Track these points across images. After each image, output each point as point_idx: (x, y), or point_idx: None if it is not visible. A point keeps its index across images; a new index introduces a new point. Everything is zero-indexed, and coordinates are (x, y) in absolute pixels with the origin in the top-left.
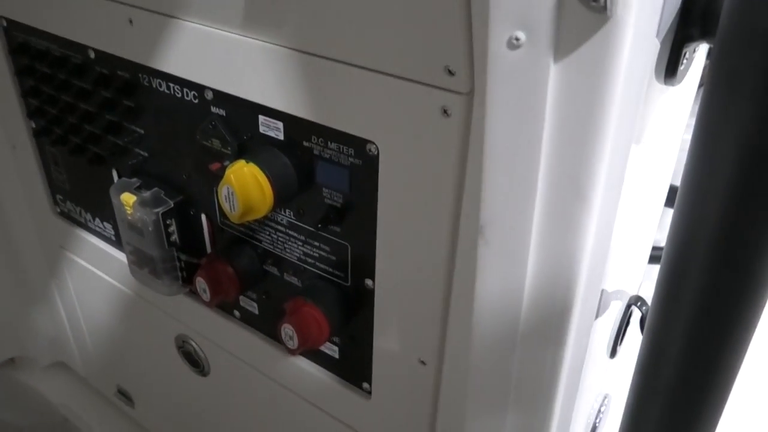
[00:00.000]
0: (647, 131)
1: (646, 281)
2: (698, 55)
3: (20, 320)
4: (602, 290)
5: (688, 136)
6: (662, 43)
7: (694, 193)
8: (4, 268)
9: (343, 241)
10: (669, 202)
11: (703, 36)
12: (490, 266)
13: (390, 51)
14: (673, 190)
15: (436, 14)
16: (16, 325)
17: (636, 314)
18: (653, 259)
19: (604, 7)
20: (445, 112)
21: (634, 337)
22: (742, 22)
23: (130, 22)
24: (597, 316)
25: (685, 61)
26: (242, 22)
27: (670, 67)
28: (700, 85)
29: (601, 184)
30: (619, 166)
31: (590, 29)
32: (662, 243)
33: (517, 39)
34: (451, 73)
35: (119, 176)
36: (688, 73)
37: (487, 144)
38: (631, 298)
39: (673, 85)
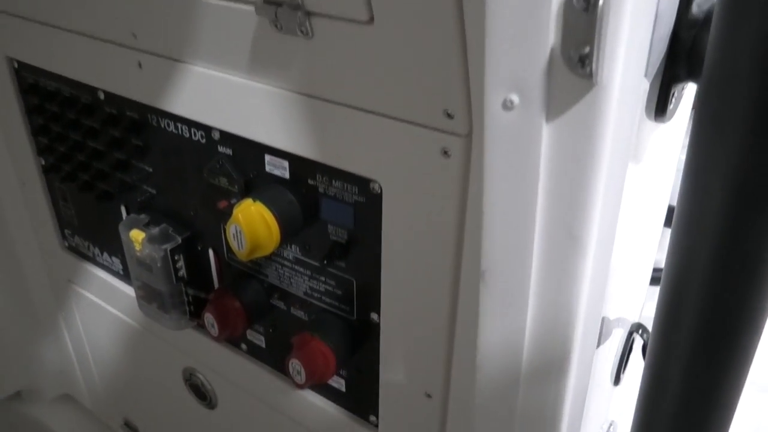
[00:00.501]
0: (642, 161)
1: (649, 302)
2: (688, 91)
3: (27, 353)
4: (603, 318)
5: (684, 156)
6: (651, 83)
7: (687, 226)
8: (12, 301)
9: (348, 276)
10: (668, 222)
11: (690, 76)
12: (491, 310)
13: (391, 95)
14: (671, 210)
15: (435, 62)
16: (24, 358)
17: (638, 341)
18: (654, 280)
19: (590, 75)
20: (445, 153)
21: (638, 364)
22: (724, 65)
23: (140, 65)
24: (598, 345)
25: (674, 100)
26: (248, 67)
27: (660, 106)
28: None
29: (595, 230)
30: (612, 209)
31: (578, 93)
32: (663, 264)
33: (512, 101)
34: (449, 116)
35: (128, 212)
36: (680, 105)
37: (486, 196)
38: (632, 326)
39: (663, 122)
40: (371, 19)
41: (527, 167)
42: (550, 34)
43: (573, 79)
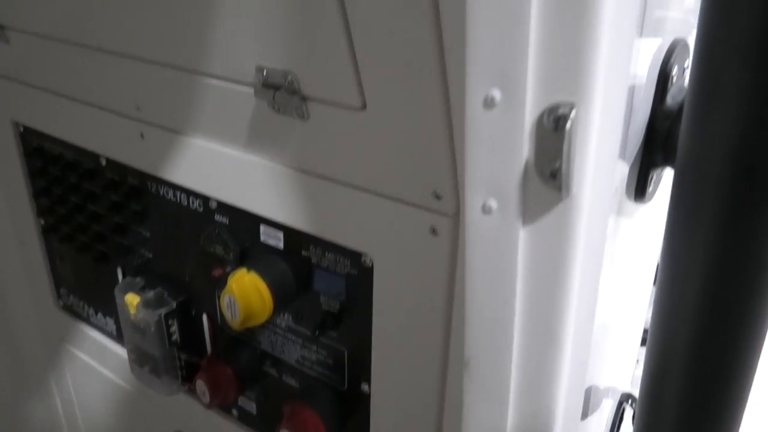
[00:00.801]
0: (626, 238)
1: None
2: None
3: (16, 411)
4: (591, 388)
5: None
6: (631, 166)
7: (667, 311)
8: (2, 357)
9: (339, 347)
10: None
11: (666, 162)
12: (475, 397)
13: (382, 174)
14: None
15: (424, 147)
16: (12, 416)
17: (629, 411)
18: (645, 341)
19: (560, 189)
20: (433, 231)
21: None
22: (694, 158)
23: (142, 136)
24: (585, 417)
25: (653, 183)
26: (246, 143)
27: (640, 189)
28: None
29: (571, 326)
30: (589, 302)
31: (551, 204)
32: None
33: (490, 206)
34: (438, 197)
35: (124, 274)
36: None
37: (468, 291)
38: (622, 396)
39: (644, 203)
40: (364, 106)
41: (505, 267)
42: (525, 148)
43: (546, 190)
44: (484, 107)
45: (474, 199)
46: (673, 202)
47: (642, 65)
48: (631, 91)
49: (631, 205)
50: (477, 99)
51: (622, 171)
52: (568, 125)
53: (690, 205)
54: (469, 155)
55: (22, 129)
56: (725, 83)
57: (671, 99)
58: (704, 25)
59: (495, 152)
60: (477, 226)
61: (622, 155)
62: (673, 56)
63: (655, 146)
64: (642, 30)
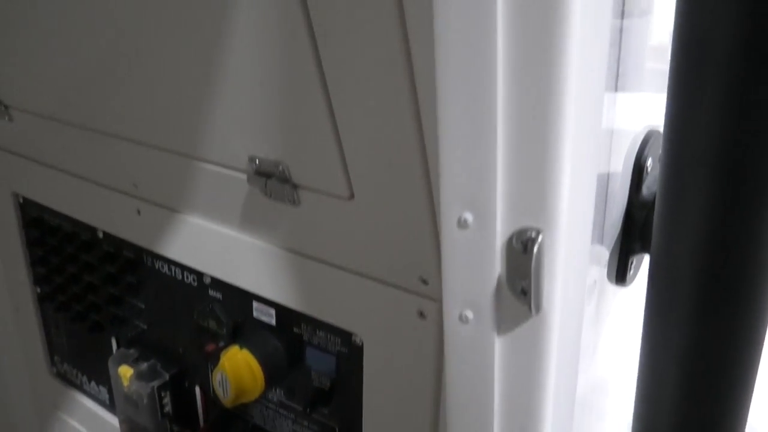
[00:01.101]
0: (607, 320)
1: None
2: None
3: None
4: None
5: None
6: (611, 252)
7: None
8: None
9: (330, 423)
10: None
11: (644, 249)
12: None
13: (371, 258)
14: None
15: (410, 236)
16: None
17: None
18: None
19: (530, 308)
20: (421, 314)
21: None
22: (667, 255)
23: (138, 212)
24: None
25: (632, 268)
26: (239, 223)
27: (620, 274)
28: None
29: (548, 428)
30: (566, 403)
31: (523, 317)
32: None
33: (467, 317)
34: (425, 282)
35: (118, 344)
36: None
37: (448, 395)
38: None
39: (625, 287)
40: (352, 196)
41: (483, 374)
42: (497, 265)
43: (518, 305)
44: (458, 227)
45: (451, 308)
46: (649, 293)
47: (617, 155)
48: (606, 179)
49: (613, 288)
50: (452, 219)
51: (602, 256)
52: (535, 249)
53: (665, 297)
54: (446, 269)
55: (21, 200)
56: (691, 188)
57: (646, 189)
58: (670, 133)
59: (469, 268)
60: (454, 333)
61: (600, 240)
62: (647, 147)
63: (633, 234)
64: (612, 138)
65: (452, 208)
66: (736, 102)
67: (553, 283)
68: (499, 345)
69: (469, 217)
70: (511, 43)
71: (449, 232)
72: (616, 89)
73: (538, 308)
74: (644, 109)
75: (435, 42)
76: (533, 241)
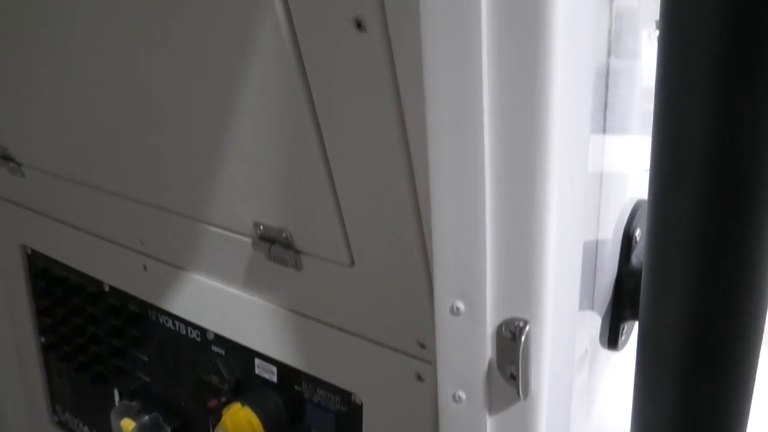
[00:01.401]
0: (602, 383)
1: None
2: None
3: None
4: None
5: None
6: (603, 318)
7: None
8: None
9: None
10: None
11: (634, 317)
12: None
13: (370, 322)
14: None
15: (407, 301)
16: None
17: None
18: None
19: (518, 392)
20: (419, 377)
21: None
22: (653, 327)
23: (145, 268)
24: None
25: (624, 333)
26: (243, 283)
27: (612, 340)
28: None
29: None
30: None
31: (512, 400)
32: None
33: (460, 396)
34: (422, 346)
35: (120, 396)
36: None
37: None
38: None
39: (617, 351)
40: (352, 263)
41: None
42: (488, 350)
43: (508, 388)
44: (451, 314)
45: (445, 387)
46: (638, 360)
47: (607, 225)
48: (595, 248)
49: (606, 352)
50: (445, 306)
51: (594, 322)
52: (522, 338)
53: (653, 365)
54: (440, 352)
55: (30, 251)
56: (673, 261)
57: (636, 259)
58: (653, 206)
59: (461, 352)
60: (448, 412)
61: (591, 306)
62: (636, 218)
63: (623, 302)
64: (599, 209)
65: (445, 296)
66: (715, 180)
67: (541, 369)
68: (490, 424)
69: (461, 305)
70: (497, 163)
71: (443, 319)
72: (605, 131)
73: (526, 393)
74: (629, 181)
75: (427, 139)
76: (521, 330)
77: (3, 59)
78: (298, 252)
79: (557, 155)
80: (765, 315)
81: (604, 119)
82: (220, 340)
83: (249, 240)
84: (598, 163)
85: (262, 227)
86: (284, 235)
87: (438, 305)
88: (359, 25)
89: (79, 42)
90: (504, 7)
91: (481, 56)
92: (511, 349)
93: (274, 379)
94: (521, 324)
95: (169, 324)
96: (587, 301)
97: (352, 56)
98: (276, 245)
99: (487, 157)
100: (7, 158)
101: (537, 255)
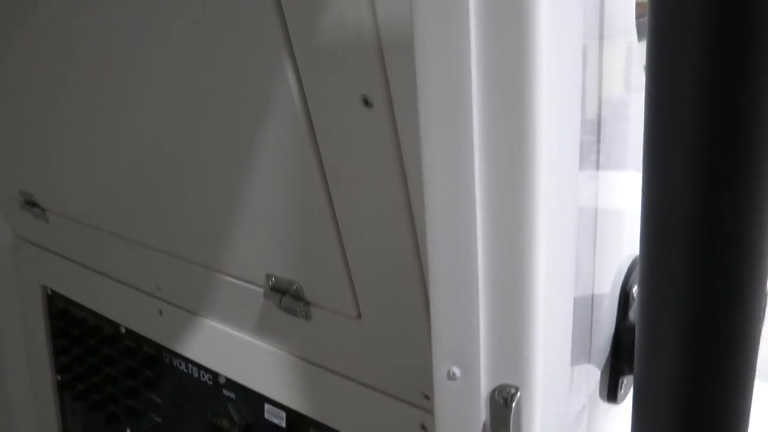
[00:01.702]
0: None
1: None
2: None
3: None
4: None
5: None
6: (602, 371)
7: None
8: None
9: None
10: None
11: (632, 371)
12: None
13: (376, 372)
14: None
15: (413, 355)
16: None
17: None
18: None
19: None
20: (423, 427)
21: None
22: (647, 384)
23: (160, 312)
24: None
25: (623, 387)
26: (254, 330)
27: (611, 393)
28: None
29: None
30: None
31: None
32: None
33: None
34: (426, 397)
35: None
36: None
37: None
38: None
39: (616, 404)
40: (359, 316)
41: None
42: (483, 413)
43: None
44: (447, 378)
45: None
46: (634, 415)
47: (605, 281)
48: (590, 303)
49: (605, 406)
50: (442, 371)
51: (592, 376)
52: (513, 404)
53: (648, 421)
54: (438, 413)
55: (50, 292)
56: (664, 320)
57: (633, 314)
58: (645, 265)
59: (458, 414)
60: None
61: (588, 360)
62: (633, 275)
63: (621, 357)
64: (594, 265)
65: (442, 361)
66: (702, 240)
67: None
68: None
69: (457, 371)
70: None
71: (440, 382)
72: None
73: None
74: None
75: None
76: (512, 396)
77: (32, 110)
78: (307, 303)
79: (546, 228)
80: (754, 371)
81: (597, 168)
82: (231, 384)
83: (261, 290)
84: (591, 227)
85: (273, 279)
86: (295, 287)
87: (436, 369)
88: (366, 102)
89: (107, 96)
90: (492, 60)
91: (471, 125)
92: (504, 415)
93: (283, 424)
94: (512, 390)
95: (183, 367)
96: (584, 356)
97: (360, 129)
98: (287, 296)
99: (479, 232)
100: (33, 204)
101: (526, 325)
